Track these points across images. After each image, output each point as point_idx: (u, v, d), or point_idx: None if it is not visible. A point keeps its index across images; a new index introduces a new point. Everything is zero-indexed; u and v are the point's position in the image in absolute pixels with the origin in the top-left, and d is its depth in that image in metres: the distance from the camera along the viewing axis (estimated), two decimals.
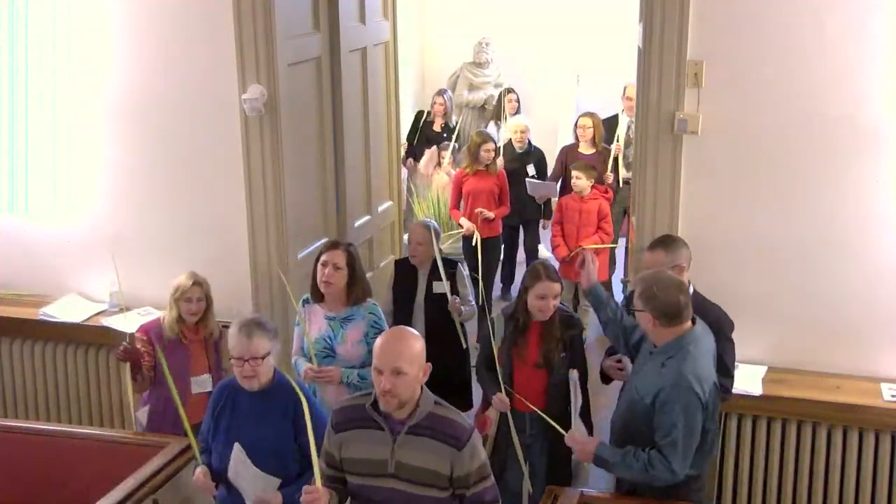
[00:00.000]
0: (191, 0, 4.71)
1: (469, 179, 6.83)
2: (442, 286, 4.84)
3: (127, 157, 5.02)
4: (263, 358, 3.56)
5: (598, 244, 6.35)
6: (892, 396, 4.16)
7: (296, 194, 4.86)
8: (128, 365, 4.40)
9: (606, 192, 6.62)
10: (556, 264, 6.13)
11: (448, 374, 4.70)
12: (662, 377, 3.48)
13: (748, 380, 4.27)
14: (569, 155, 7.01)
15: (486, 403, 4.41)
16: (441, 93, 8.60)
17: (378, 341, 3.11)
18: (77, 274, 5.26)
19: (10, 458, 4.19)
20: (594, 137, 6.94)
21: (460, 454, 3.05)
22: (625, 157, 7.03)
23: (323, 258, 4.24)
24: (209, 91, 4.77)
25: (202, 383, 4.32)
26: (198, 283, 4.34)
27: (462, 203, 6.91)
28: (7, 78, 5.10)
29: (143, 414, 4.41)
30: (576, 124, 7.18)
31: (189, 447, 3.99)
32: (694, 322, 3.57)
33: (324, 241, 5.20)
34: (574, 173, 6.53)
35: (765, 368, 4.37)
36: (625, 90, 7.22)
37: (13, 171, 5.21)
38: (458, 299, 4.88)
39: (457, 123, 8.71)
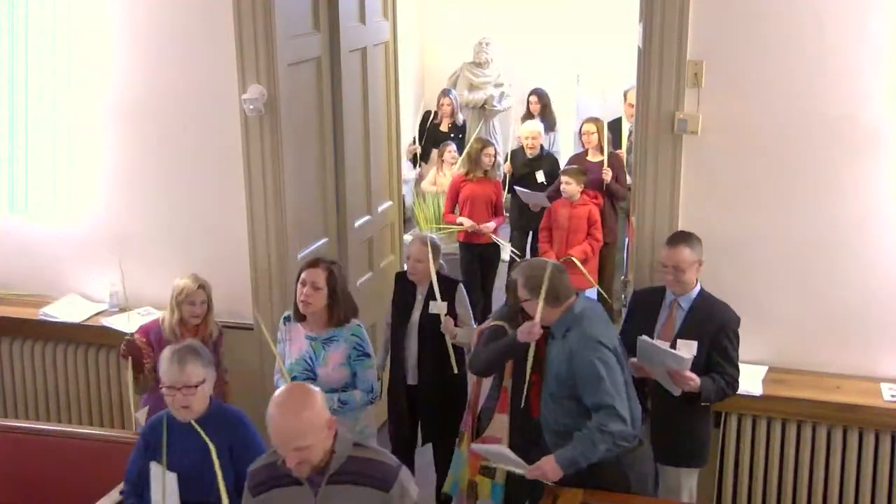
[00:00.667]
0: (191, 0, 4.71)
1: (467, 185, 6.75)
2: (438, 306, 4.66)
3: (127, 157, 5.02)
4: (197, 386, 3.44)
5: (586, 253, 6.25)
6: (892, 396, 4.16)
7: (296, 194, 4.86)
8: (129, 363, 4.39)
9: (597, 197, 6.52)
10: None
11: (439, 399, 4.73)
12: (568, 345, 3.70)
13: (748, 380, 4.26)
14: (576, 164, 6.85)
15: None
16: (446, 93, 8.61)
17: (270, 421, 2.86)
18: (77, 274, 5.25)
19: (10, 458, 4.19)
20: (600, 143, 6.84)
21: (389, 495, 2.92)
22: (627, 162, 6.95)
23: (302, 277, 4.08)
24: (209, 91, 4.77)
25: None
26: (202, 286, 4.35)
27: (457, 209, 6.80)
28: (7, 78, 5.10)
29: (142, 414, 4.41)
30: (580, 131, 7.10)
31: None
32: (577, 295, 3.87)
33: (323, 241, 5.22)
34: (563, 178, 6.43)
35: (765, 368, 4.36)
36: (626, 96, 7.15)
37: (13, 171, 5.20)
38: (451, 321, 4.67)
39: (464, 122, 8.70)
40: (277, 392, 2.97)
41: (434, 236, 4.89)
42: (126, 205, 5.08)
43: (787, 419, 4.28)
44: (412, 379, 4.82)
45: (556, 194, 6.59)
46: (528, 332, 3.89)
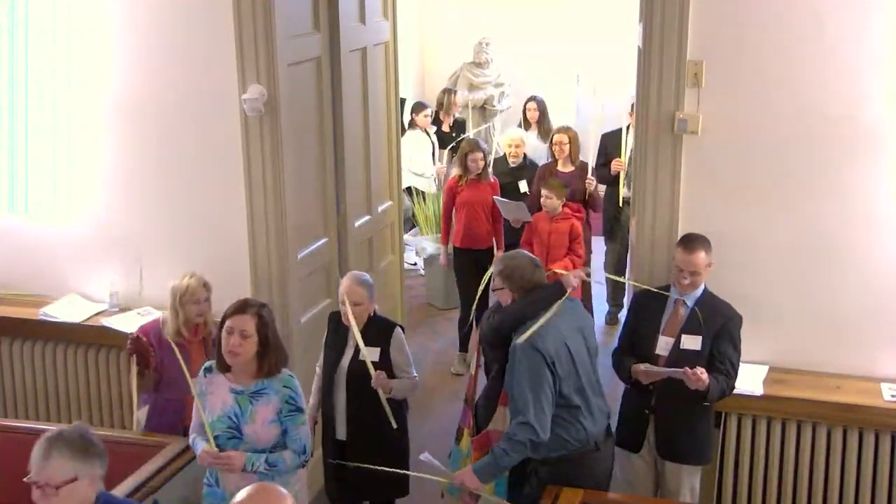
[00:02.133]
0: (191, 0, 4.71)
1: (463, 190, 6.61)
2: (366, 353, 4.19)
3: (127, 157, 5.02)
4: (59, 488, 2.83)
5: (566, 269, 5.78)
6: (892, 396, 4.16)
7: (296, 194, 4.86)
8: (133, 361, 4.38)
9: (580, 211, 6.30)
10: None
11: (372, 458, 4.04)
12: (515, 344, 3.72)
13: (749, 380, 4.27)
14: (545, 175, 6.65)
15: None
16: (450, 91, 8.63)
17: None
18: (77, 274, 5.25)
19: (11, 458, 4.18)
20: (570, 154, 6.67)
21: None
22: (627, 175, 6.67)
23: (227, 324, 3.61)
24: (209, 91, 4.76)
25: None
26: (205, 284, 4.34)
27: (455, 213, 6.68)
28: (7, 78, 5.10)
29: (142, 414, 4.41)
30: (551, 141, 6.87)
31: (188, 448, 4.00)
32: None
33: (323, 241, 5.22)
34: (543, 192, 6.17)
35: (766, 368, 4.36)
36: (632, 107, 6.81)
37: (13, 171, 5.20)
38: (383, 374, 4.20)
39: (463, 118, 8.69)
40: (240, 497, 2.52)
41: (367, 275, 4.41)
42: (126, 205, 5.08)
43: (787, 419, 4.28)
44: (342, 433, 4.36)
45: (537, 208, 6.34)
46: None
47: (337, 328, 4.41)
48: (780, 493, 4.34)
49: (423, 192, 8.15)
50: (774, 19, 4.10)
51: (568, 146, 6.66)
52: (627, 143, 6.59)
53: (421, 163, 8.18)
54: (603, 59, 8.85)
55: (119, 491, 3.79)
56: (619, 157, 6.77)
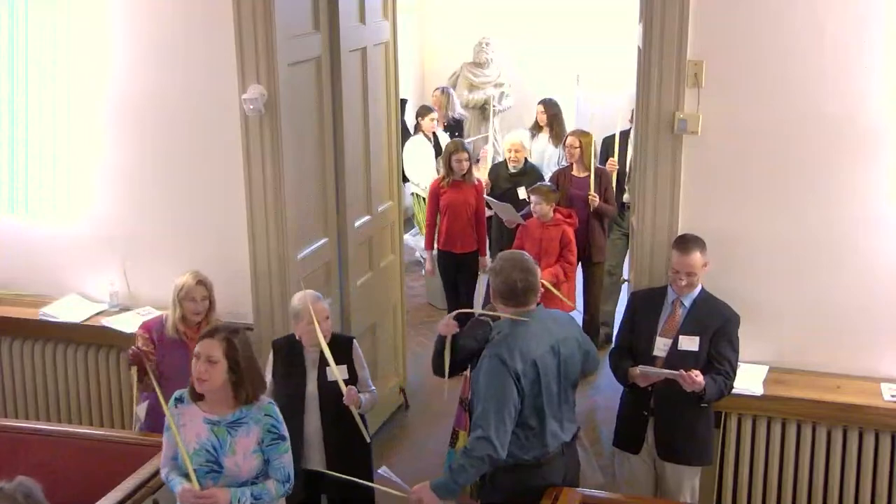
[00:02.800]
0: (191, 0, 4.71)
1: (446, 191, 6.50)
2: (336, 372, 4.06)
3: (127, 157, 5.02)
4: None
5: (556, 276, 5.83)
6: (892, 396, 4.16)
7: (296, 194, 4.86)
8: (134, 371, 4.37)
9: (571, 216, 6.09)
10: None
11: (350, 482, 3.90)
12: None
13: (749, 380, 4.27)
14: (561, 180, 6.54)
15: None
16: (444, 90, 8.60)
17: None
18: (77, 274, 5.25)
19: (11, 458, 4.19)
20: (583, 157, 6.47)
21: None
22: (629, 180, 6.48)
23: (196, 349, 3.46)
24: (209, 91, 4.76)
25: None
26: (202, 282, 4.36)
27: (439, 216, 6.57)
28: (7, 78, 5.10)
29: (141, 409, 4.42)
30: (564, 144, 6.75)
31: None
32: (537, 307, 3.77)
33: (323, 241, 5.22)
34: (532, 197, 6.01)
35: (766, 368, 4.36)
36: (632, 113, 6.72)
37: (13, 171, 5.20)
38: (354, 389, 4.12)
39: (462, 117, 8.61)
40: None
41: (318, 293, 4.26)
42: (126, 205, 5.08)
43: (787, 419, 4.28)
44: (316, 463, 4.19)
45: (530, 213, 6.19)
46: (445, 325, 3.83)
47: (289, 354, 4.20)
48: (780, 493, 4.34)
49: (424, 198, 7.94)
50: (774, 19, 4.10)
51: (578, 150, 6.47)
52: (628, 145, 6.48)
53: (421, 169, 7.99)
54: (603, 58, 8.85)
55: (119, 491, 3.80)
56: (613, 156, 6.69)
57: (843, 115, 4.11)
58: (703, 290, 4.11)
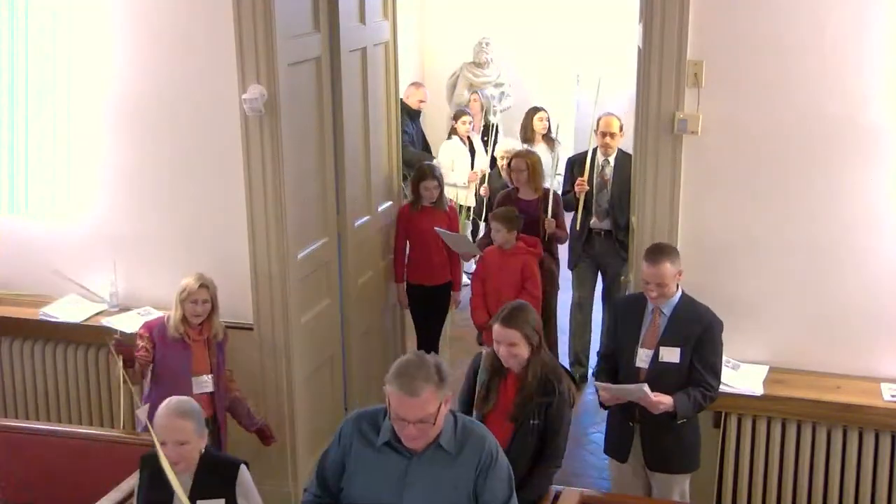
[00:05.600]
0: (191, 0, 4.71)
1: (413, 217, 5.85)
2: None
3: (127, 157, 5.02)
4: None
5: None
6: (892, 396, 4.16)
7: (296, 194, 4.86)
8: (120, 360, 4.41)
9: (535, 245, 5.49)
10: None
11: None
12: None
13: (749, 380, 4.27)
14: (504, 203, 5.87)
15: None
16: (476, 92, 8.57)
17: None
18: (77, 274, 5.24)
19: (11, 458, 4.19)
20: (531, 179, 5.90)
21: None
22: (597, 202, 6.08)
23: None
24: (209, 91, 4.76)
25: (203, 384, 4.35)
26: (204, 285, 4.35)
27: (407, 245, 5.92)
28: (7, 78, 5.10)
29: (143, 412, 4.40)
30: (508, 165, 6.14)
31: None
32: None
33: (323, 241, 5.21)
34: (492, 223, 5.46)
35: (766, 368, 4.36)
36: (598, 123, 6.13)
37: (13, 171, 5.20)
38: None
39: (494, 124, 8.46)
40: None
41: (189, 401, 3.45)
42: (126, 205, 5.08)
43: (787, 419, 4.28)
44: None
45: (489, 240, 5.64)
46: None
47: (156, 477, 3.26)
48: (780, 493, 4.34)
49: (462, 206, 7.55)
50: (774, 19, 4.10)
51: (526, 173, 5.89)
52: (596, 164, 6.07)
53: (458, 172, 7.71)
54: (603, 57, 8.85)
55: (119, 491, 3.79)
56: (583, 176, 6.06)
57: (843, 115, 4.11)
58: (682, 295, 4.01)
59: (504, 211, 5.55)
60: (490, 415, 3.76)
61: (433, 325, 6.05)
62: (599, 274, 6.37)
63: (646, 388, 3.82)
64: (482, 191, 6.92)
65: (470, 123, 7.97)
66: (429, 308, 5.98)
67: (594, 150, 6.11)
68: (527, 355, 3.72)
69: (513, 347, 3.70)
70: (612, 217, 6.10)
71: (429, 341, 5.95)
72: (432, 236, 5.76)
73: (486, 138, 8.18)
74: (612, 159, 6.13)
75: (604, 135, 6.09)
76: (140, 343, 4.38)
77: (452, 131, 8.00)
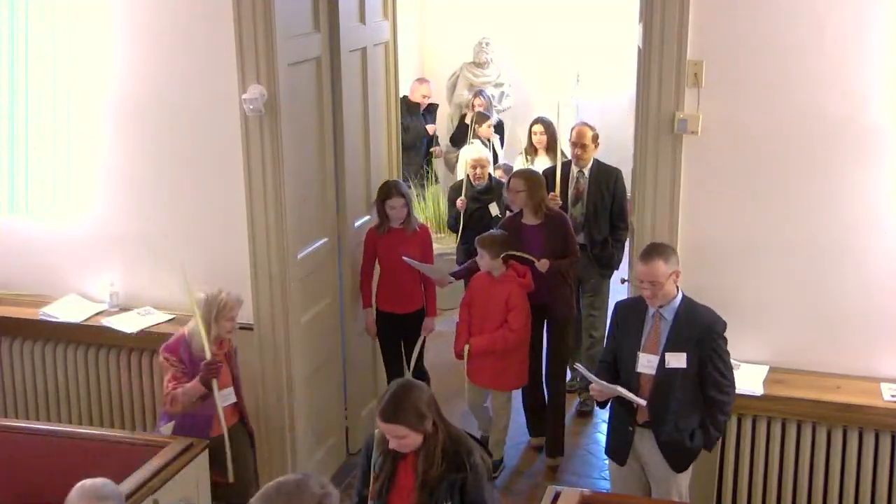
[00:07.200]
0: (191, 1, 4.71)
1: (381, 239, 5.33)
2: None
3: (127, 157, 5.02)
4: None
5: (491, 345, 5.00)
6: (892, 396, 4.16)
7: (296, 194, 4.86)
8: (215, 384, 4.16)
9: (524, 275, 5.08)
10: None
11: None
12: None
13: (749, 380, 4.27)
14: (510, 228, 5.29)
15: None
16: (478, 93, 8.56)
17: None
18: (77, 274, 5.25)
19: (11, 458, 4.19)
20: (532, 201, 5.25)
21: None
22: (571, 217, 5.64)
23: None
24: (209, 91, 4.76)
25: (227, 396, 4.29)
26: (239, 300, 4.30)
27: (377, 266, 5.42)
28: (7, 78, 5.09)
29: (167, 429, 4.29)
30: (507, 186, 5.42)
31: (190, 446, 4.01)
32: None
33: (323, 241, 5.21)
34: (478, 248, 5.09)
35: (766, 368, 4.36)
36: (572, 133, 5.85)
37: (13, 171, 5.20)
38: None
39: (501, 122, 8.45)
40: None
41: (108, 484, 3.28)
42: (126, 205, 5.08)
43: (787, 419, 4.28)
44: None
45: (475, 265, 5.24)
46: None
47: None
48: (780, 493, 4.34)
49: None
50: (774, 19, 4.10)
51: (524, 194, 5.25)
52: (571, 177, 5.80)
53: None
54: (603, 57, 8.85)
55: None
56: (555, 191, 5.69)
57: (843, 115, 4.11)
58: (684, 298, 3.98)
59: (488, 236, 5.15)
60: (393, 501, 3.36)
61: (407, 355, 5.51)
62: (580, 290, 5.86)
63: (621, 389, 3.90)
64: (459, 204, 6.25)
65: (491, 126, 7.96)
66: (400, 338, 5.48)
67: (566, 163, 5.89)
68: (420, 440, 3.27)
69: (403, 440, 3.25)
70: (586, 231, 5.80)
71: (401, 371, 5.45)
72: (401, 262, 5.23)
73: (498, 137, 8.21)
74: (587, 171, 5.84)
75: (575, 145, 5.81)
76: (171, 368, 4.19)
77: (474, 134, 7.92)
